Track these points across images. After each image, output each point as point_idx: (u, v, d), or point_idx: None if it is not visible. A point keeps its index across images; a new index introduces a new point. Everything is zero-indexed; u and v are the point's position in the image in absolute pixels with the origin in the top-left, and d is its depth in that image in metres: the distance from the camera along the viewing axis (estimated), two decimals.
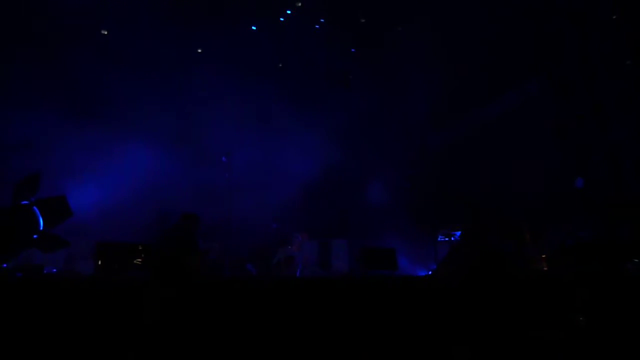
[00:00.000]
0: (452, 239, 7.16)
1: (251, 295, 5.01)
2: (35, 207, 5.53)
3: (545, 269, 5.46)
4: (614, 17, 7.44)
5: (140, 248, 6.08)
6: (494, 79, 7.95)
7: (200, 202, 6.95)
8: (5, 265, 5.45)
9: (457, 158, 8.20)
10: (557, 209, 6.98)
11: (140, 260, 5.95)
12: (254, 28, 8.49)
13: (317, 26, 8.53)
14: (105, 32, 7.92)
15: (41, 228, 5.55)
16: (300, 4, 8.42)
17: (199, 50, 8.28)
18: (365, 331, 4.50)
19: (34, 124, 6.86)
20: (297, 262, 7.25)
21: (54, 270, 6.16)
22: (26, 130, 6.86)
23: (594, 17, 7.50)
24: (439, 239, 7.42)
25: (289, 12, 8.54)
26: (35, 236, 5.51)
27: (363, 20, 8.52)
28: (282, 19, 8.56)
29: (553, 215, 6.86)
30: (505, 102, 8.24)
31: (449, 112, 8.45)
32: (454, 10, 7.81)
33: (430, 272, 7.01)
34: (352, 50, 8.77)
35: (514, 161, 7.55)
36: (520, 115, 7.85)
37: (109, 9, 7.83)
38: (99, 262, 5.94)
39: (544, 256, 5.81)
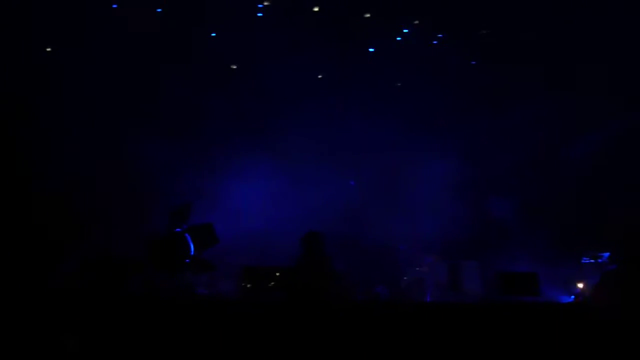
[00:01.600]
0: (600, 260, 6.65)
1: (382, 320, 5.04)
2: (187, 234, 6.03)
3: None
4: None
5: (277, 274, 6.34)
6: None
7: (332, 225, 7.11)
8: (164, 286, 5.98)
9: (602, 169, 7.67)
10: None
11: (275, 283, 6.21)
12: (371, 50, 8.61)
13: (435, 42, 8.48)
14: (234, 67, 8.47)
15: (192, 253, 6.04)
16: (417, 22, 8.42)
17: (319, 77, 8.55)
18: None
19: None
20: (427, 285, 7.15)
21: (203, 291, 6.64)
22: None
23: None
24: (582, 261, 6.93)
25: (405, 30, 8.56)
26: (187, 260, 6.01)
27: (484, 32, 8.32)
28: (398, 38, 8.61)
29: None
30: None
31: (591, 120, 7.94)
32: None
33: (573, 297, 6.56)
34: (473, 62, 8.56)
35: None
36: None
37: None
38: (245, 284, 6.28)
39: None
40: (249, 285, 6.16)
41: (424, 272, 7.24)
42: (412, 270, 7.31)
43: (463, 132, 8.18)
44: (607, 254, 6.54)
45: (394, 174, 7.97)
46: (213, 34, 8.26)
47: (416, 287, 7.10)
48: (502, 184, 7.86)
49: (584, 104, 7.78)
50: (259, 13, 8.24)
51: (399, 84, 8.71)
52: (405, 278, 7.27)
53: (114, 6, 7.78)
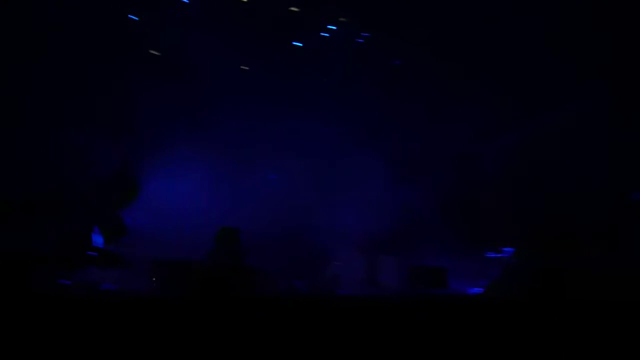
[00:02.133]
0: (503, 255, 7.11)
1: (298, 312, 5.08)
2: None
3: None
4: None
5: (193, 267, 6.23)
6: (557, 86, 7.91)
7: (248, 220, 7.07)
8: (67, 282, 5.66)
9: (510, 170, 8.15)
10: (628, 223, 6.89)
11: (185, 278, 6.08)
12: (299, 44, 8.62)
13: (361, 40, 8.64)
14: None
15: (99, 245, 5.75)
16: (343, 19, 8.54)
17: (243, 67, 8.46)
18: (417, 350, 4.49)
19: None
20: (343, 279, 7.30)
21: (110, 286, 6.37)
22: None
23: None
24: (488, 255, 7.38)
25: (334, 27, 8.64)
26: (92, 253, 5.72)
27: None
28: (325, 35, 8.67)
29: (622, 230, 6.77)
30: (566, 111, 8.17)
31: (502, 122, 8.40)
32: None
33: (482, 290, 6.97)
34: (396, 62, 8.79)
35: (575, 173, 7.50)
36: (580, 125, 7.80)
37: None
38: (154, 279, 6.11)
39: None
40: (157, 280, 5.98)
41: (342, 266, 7.40)
42: (331, 264, 7.45)
43: (386, 128, 8.38)
44: (511, 249, 7.01)
45: (316, 168, 8.06)
46: (133, 17, 8.01)
47: (333, 281, 7.25)
48: (419, 180, 8.14)
49: (500, 104, 8.21)
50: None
51: (325, 80, 8.79)
52: (323, 272, 7.39)
53: None
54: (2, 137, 7.36)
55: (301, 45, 8.64)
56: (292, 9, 8.53)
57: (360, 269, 7.48)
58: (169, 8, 8.24)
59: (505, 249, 7.13)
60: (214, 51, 8.17)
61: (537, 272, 5.21)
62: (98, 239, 5.84)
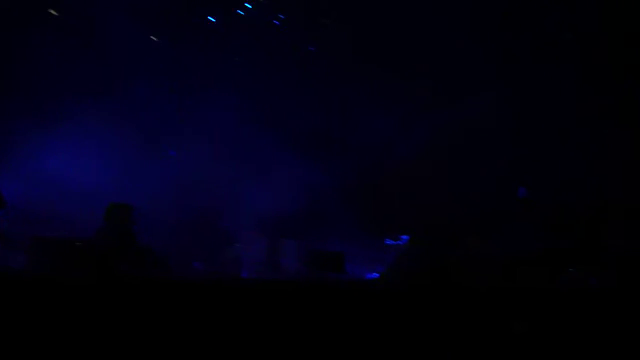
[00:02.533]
0: (400, 242, 7.33)
1: (197, 295, 4.96)
2: None
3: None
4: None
5: (78, 244, 5.88)
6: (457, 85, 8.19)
7: (146, 198, 6.80)
8: None
9: (409, 163, 8.38)
10: (508, 219, 7.29)
11: (70, 257, 5.75)
12: (212, 19, 8.36)
13: (277, 22, 8.53)
14: None
15: None
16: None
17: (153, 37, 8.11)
18: (312, 333, 4.53)
19: None
20: (244, 261, 7.22)
21: None
22: None
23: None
24: (386, 242, 7.59)
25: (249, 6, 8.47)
26: None
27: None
28: (240, 12, 8.47)
29: (503, 225, 7.16)
30: (464, 109, 8.49)
31: (404, 117, 8.61)
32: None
33: (378, 275, 7.15)
34: (311, 49, 8.78)
35: (467, 169, 7.83)
36: (477, 124, 8.13)
37: None
38: (33, 258, 5.71)
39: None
40: (38, 259, 5.60)
41: (242, 248, 7.32)
42: (232, 247, 7.34)
43: (296, 111, 8.35)
44: (406, 237, 7.24)
45: (221, 148, 7.88)
46: None
47: (233, 263, 7.15)
48: (325, 164, 8.19)
49: (413, 92, 8.40)
50: None
51: (237, 59, 8.61)
52: (223, 254, 7.27)
53: None
54: None
55: (214, 21, 8.40)
56: None
57: (261, 252, 7.44)
58: None
59: (403, 236, 7.35)
60: (123, 20, 7.76)
61: (425, 260, 5.41)
62: None
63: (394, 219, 7.91)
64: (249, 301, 4.76)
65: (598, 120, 7.62)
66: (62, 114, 7.48)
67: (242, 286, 5.84)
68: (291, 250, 7.54)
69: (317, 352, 4.35)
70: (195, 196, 7.32)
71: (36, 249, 5.85)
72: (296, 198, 7.64)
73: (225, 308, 4.61)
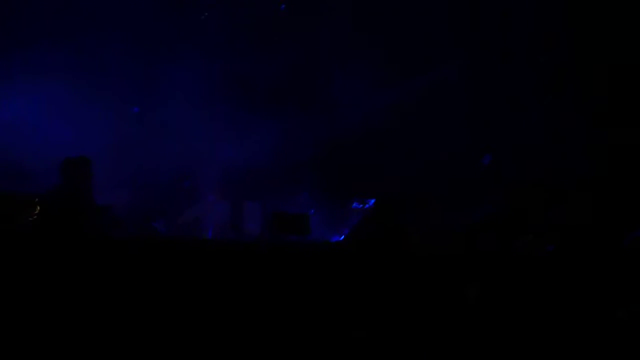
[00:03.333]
0: (366, 206, 7.37)
1: (156, 256, 4.86)
2: None
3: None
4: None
5: (36, 200, 5.68)
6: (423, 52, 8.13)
7: (107, 154, 6.59)
8: None
9: (376, 129, 8.35)
10: (468, 186, 7.40)
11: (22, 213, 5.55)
12: None
13: None
14: None
15: None
16: None
17: None
18: (274, 296, 4.53)
19: None
20: (206, 223, 7.16)
21: None
22: None
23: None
24: (353, 206, 7.63)
25: None
26: None
27: None
28: None
29: (464, 193, 7.27)
30: (433, 76, 8.48)
31: (375, 80, 8.52)
32: None
33: (342, 238, 7.21)
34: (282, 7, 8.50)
35: (430, 136, 7.86)
36: (446, 91, 8.14)
37: None
38: None
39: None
40: None
41: (205, 210, 7.23)
42: (193, 208, 7.24)
43: (261, 70, 8.15)
44: (372, 200, 7.28)
45: (185, 107, 7.66)
46: None
47: (194, 223, 7.07)
48: (293, 125, 8.07)
49: (386, 56, 8.30)
50: None
51: (204, 16, 8.26)
52: (184, 215, 7.18)
53: None
54: None
55: None
56: None
57: (223, 213, 7.37)
58: None
59: (369, 200, 7.40)
60: None
61: (388, 225, 5.46)
62: None
63: (361, 183, 7.92)
64: (210, 263, 4.73)
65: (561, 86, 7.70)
66: (30, 64, 7.12)
67: (202, 247, 5.79)
68: (255, 212, 7.49)
69: (279, 317, 4.36)
70: (158, 154, 7.12)
71: None
72: (262, 159, 7.54)
73: (183, 270, 4.53)
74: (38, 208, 5.67)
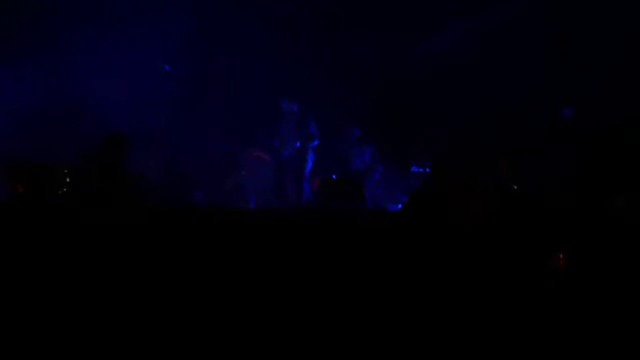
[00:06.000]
0: (427, 170, 6.75)
1: (198, 226, 4.63)
2: None
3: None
4: None
5: (66, 171, 5.45)
6: None
7: (137, 118, 6.23)
8: None
9: (433, 78, 7.59)
10: (541, 140, 6.64)
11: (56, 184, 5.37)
12: None
13: None
14: None
15: None
16: None
17: None
18: (325, 271, 4.18)
19: None
20: (250, 190, 6.73)
21: None
22: None
23: None
24: (412, 170, 7.01)
25: None
26: None
27: None
28: None
29: (537, 146, 6.53)
30: (488, 17, 7.60)
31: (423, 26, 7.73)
32: None
33: (400, 207, 6.66)
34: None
35: (498, 83, 7.05)
36: (506, 32, 7.26)
37: None
38: (14, 187, 5.31)
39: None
40: (20, 189, 5.20)
41: (247, 175, 6.80)
42: (236, 174, 6.82)
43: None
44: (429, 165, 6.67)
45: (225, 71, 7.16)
46: None
47: (236, 191, 6.66)
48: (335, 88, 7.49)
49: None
50: None
51: None
52: (226, 182, 6.77)
53: None
54: None
55: None
56: None
57: (267, 179, 6.89)
58: None
59: (429, 163, 6.78)
60: None
61: (445, 187, 4.90)
62: None
63: (421, 145, 7.25)
64: (256, 235, 4.44)
65: None
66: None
67: (247, 218, 5.51)
68: (302, 177, 6.99)
69: (330, 291, 3.99)
70: (193, 119, 6.69)
71: (16, 176, 5.48)
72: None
73: (228, 242, 4.29)
74: (68, 179, 5.46)
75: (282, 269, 4.04)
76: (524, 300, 3.71)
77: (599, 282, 3.84)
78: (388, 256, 4.24)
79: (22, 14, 6.94)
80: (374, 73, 7.73)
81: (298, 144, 6.77)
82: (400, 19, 7.54)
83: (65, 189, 5.44)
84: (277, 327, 3.37)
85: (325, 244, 4.39)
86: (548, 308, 3.61)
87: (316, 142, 6.73)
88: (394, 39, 7.75)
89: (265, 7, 7.37)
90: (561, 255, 4.07)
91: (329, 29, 7.75)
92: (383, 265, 4.13)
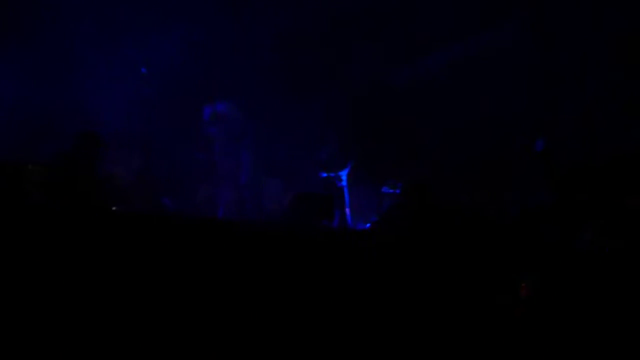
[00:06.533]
0: (398, 191, 6.78)
1: (165, 235, 4.54)
2: None
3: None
4: None
5: (30, 168, 5.36)
6: (468, 15, 7.40)
7: (111, 120, 6.18)
8: None
9: (414, 100, 7.67)
10: (519, 167, 6.73)
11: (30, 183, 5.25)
12: None
13: None
14: None
15: None
16: None
17: None
18: (293, 285, 4.11)
19: None
20: (221, 202, 6.69)
21: None
22: None
23: None
24: (383, 190, 7.05)
25: None
26: None
27: None
28: None
29: (513, 173, 6.60)
30: (476, 43, 7.72)
31: (408, 50, 7.83)
32: None
33: (369, 225, 6.66)
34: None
35: (477, 109, 7.15)
36: (491, 61, 7.38)
37: None
38: None
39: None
40: None
41: (219, 185, 6.76)
42: (208, 185, 6.78)
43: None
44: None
45: (198, 69, 7.16)
46: None
47: (207, 202, 6.62)
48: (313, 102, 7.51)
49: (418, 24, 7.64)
50: None
51: None
52: (199, 193, 6.73)
53: None
54: None
55: None
56: None
57: (240, 189, 6.87)
58: None
59: (401, 184, 6.81)
60: None
61: (421, 211, 4.91)
62: None
63: (393, 164, 7.30)
64: (225, 244, 4.40)
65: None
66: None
67: (217, 227, 5.43)
68: (276, 190, 6.98)
69: (298, 308, 3.92)
70: (167, 121, 6.65)
71: None
72: (284, 134, 7.00)
73: (196, 252, 4.20)
74: (41, 180, 5.36)
75: (250, 283, 3.97)
76: (492, 326, 3.70)
77: (567, 309, 3.86)
78: (356, 277, 4.19)
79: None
80: (356, 91, 7.78)
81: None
82: (388, 40, 7.64)
83: (38, 190, 5.33)
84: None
85: (294, 261, 4.32)
86: (517, 335, 3.62)
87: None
88: (380, 59, 7.82)
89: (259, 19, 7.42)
90: (528, 284, 4.08)
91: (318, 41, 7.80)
92: (352, 284, 4.08)
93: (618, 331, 3.66)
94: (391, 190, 6.87)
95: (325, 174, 7.17)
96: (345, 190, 7.16)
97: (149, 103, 6.50)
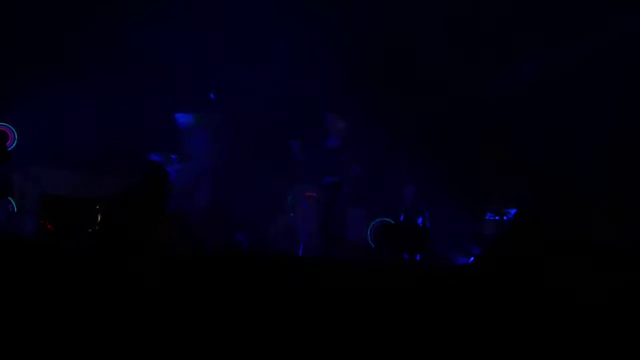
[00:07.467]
0: (505, 217, 5.89)
1: (242, 276, 4.10)
2: None
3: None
4: None
5: (98, 207, 5.05)
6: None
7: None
8: None
9: (513, 113, 6.78)
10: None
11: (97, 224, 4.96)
12: None
13: None
14: None
15: None
16: None
17: None
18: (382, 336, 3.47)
19: None
20: (300, 234, 6.09)
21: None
22: None
23: None
24: (487, 217, 6.15)
25: None
26: None
27: None
28: None
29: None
30: (584, 44, 6.78)
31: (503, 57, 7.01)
32: None
33: (472, 260, 5.80)
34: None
35: (589, 119, 6.17)
36: (602, 62, 6.42)
37: None
38: (44, 221, 4.95)
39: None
40: (49, 223, 4.82)
41: (297, 217, 6.18)
42: (285, 217, 6.21)
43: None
44: (514, 210, 5.77)
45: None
46: None
47: (286, 236, 6.03)
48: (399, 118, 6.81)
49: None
50: None
51: None
52: (274, 226, 6.18)
53: None
54: None
55: None
56: None
57: (319, 221, 6.23)
58: None
59: (509, 210, 5.91)
60: None
61: (534, 243, 4.05)
62: None
63: (498, 188, 6.39)
64: (305, 284, 3.86)
65: None
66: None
67: (296, 265, 4.94)
68: (359, 221, 6.29)
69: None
70: (240, 155, 6.21)
71: (48, 210, 5.13)
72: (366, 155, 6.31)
73: (274, 293, 3.69)
74: (99, 217, 5.04)
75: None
76: None
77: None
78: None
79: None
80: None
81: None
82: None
83: (97, 227, 5.03)
84: None
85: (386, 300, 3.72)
86: None
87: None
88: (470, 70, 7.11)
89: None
90: None
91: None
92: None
93: None
94: (497, 217, 5.98)
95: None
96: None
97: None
